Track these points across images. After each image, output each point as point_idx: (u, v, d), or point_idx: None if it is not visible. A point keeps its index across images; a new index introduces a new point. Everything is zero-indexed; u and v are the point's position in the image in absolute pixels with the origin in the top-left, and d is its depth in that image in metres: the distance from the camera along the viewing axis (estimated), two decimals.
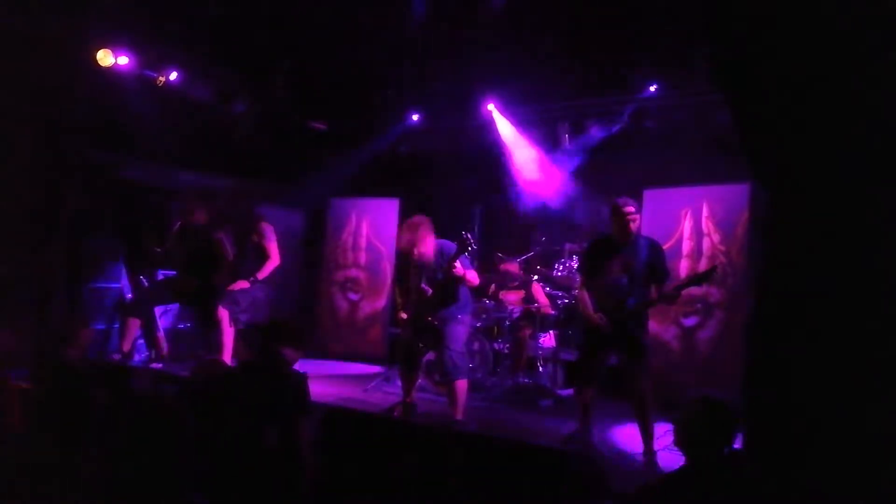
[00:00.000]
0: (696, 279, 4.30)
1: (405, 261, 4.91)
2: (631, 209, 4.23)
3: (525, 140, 7.27)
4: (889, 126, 2.11)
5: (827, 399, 2.17)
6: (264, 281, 5.47)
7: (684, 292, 4.36)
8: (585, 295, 4.35)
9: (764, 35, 2.28)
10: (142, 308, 5.83)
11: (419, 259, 4.74)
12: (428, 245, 4.72)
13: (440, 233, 4.87)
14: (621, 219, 4.23)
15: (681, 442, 2.49)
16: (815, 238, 2.25)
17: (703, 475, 2.39)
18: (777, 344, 2.29)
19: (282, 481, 3.03)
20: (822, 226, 2.23)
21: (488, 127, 7.36)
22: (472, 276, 4.72)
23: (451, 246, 4.63)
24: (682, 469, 2.51)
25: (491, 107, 7.19)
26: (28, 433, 3.65)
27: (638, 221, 4.29)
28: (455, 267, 4.51)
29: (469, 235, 4.49)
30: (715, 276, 4.52)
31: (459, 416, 4.63)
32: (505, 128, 7.26)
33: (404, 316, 4.91)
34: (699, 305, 5.86)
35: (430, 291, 4.71)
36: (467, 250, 4.50)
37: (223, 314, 5.34)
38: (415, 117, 7.80)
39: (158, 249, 5.91)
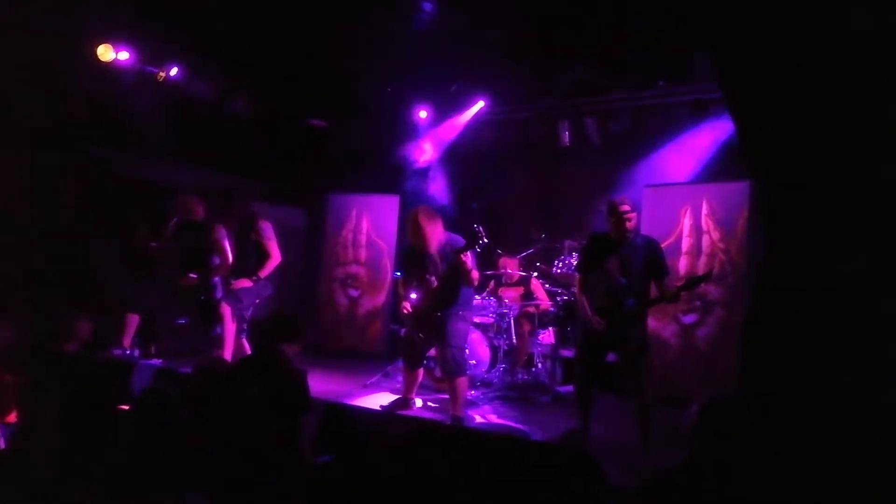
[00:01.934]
0: (693, 282, 4.28)
1: (412, 252, 4.83)
2: (626, 207, 4.20)
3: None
4: (890, 123, 2.11)
5: (826, 397, 2.17)
6: (267, 279, 5.47)
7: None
8: (583, 296, 4.35)
9: (765, 33, 2.28)
10: (142, 304, 5.83)
11: (427, 249, 4.67)
12: (435, 235, 4.67)
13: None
14: (618, 218, 4.21)
15: (685, 439, 2.49)
16: (815, 236, 2.25)
17: (701, 473, 2.39)
18: (775, 342, 2.30)
19: (281, 478, 3.03)
20: (822, 224, 2.23)
21: (487, 124, 7.37)
22: (475, 274, 4.64)
23: (460, 240, 4.56)
24: (680, 466, 2.51)
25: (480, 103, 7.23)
26: (25, 428, 3.65)
27: (635, 220, 4.25)
28: (464, 258, 4.39)
29: (481, 229, 4.30)
30: (711, 278, 4.54)
31: (459, 413, 4.64)
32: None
33: (408, 308, 4.86)
34: (698, 303, 5.86)
35: (436, 283, 4.68)
36: (477, 244, 4.33)
37: (226, 310, 5.34)
38: (422, 114, 7.80)
39: (154, 244, 5.90)
